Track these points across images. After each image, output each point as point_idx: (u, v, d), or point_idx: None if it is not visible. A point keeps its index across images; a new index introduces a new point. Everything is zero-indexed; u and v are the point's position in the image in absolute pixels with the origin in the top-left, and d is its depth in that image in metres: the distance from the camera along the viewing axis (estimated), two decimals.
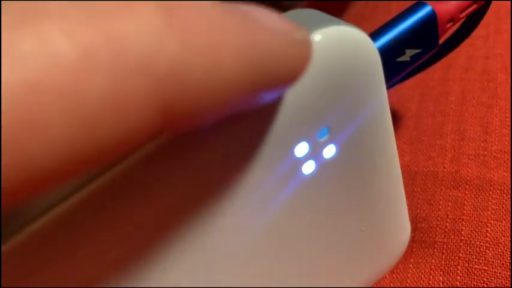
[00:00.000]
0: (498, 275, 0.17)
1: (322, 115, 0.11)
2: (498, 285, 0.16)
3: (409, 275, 0.17)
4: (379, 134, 0.13)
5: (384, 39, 0.15)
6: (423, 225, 0.18)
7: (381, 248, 0.15)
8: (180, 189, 0.11)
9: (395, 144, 0.13)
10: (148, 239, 0.11)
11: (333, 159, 0.12)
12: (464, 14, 0.16)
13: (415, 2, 0.16)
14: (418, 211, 0.19)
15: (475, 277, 0.17)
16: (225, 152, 0.11)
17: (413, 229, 0.18)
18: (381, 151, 0.13)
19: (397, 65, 0.16)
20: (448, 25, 0.16)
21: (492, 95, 0.21)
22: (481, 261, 0.17)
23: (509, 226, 0.17)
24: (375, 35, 0.15)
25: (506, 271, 0.17)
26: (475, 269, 0.17)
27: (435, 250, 0.17)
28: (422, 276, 0.17)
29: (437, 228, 0.18)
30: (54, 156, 0.06)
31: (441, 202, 0.19)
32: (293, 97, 0.11)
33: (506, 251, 0.17)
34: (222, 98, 0.08)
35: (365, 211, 0.14)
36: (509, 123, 0.20)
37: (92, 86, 0.06)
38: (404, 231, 0.15)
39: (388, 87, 0.13)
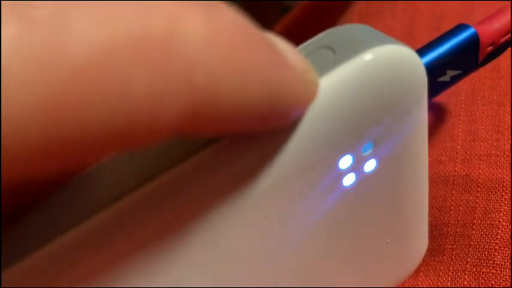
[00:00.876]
0: (507, 277, 0.17)
1: (369, 129, 0.12)
2: (505, 286, 0.16)
3: (419, 283, 0.18)
4: (416, 150, 0.13)
5: (428, 58, 0.16)
6: (434, 233, 0.19)
7: (400, 261, 0.15)
8: (226, 198, 0.11)
9: (427, 161, 0.14)
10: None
11: (373, 173, 0.13)
12: (504, 38, 0.17)
13: (459, 24, 0.16)
14: (429, 219, 0.19)
15: (483, 281, 0.17)
16: (271, 160, 0.11)
17: None
18: (416, 167, 0.14)
19: (437, 84, 0.16)
20: (489, 48, 0.17)
21: (504, 93, 0.20)
22: (489, 264, 0.17)
23: None
24: (419, 53, 0.15)
25: None
26: (483, 272, 0.17)
27: (444, 257, 0.18)
28: (432, 283, 0.18)
29: (448, 235, 0.18)
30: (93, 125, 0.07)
31: (452, 208, 0.19)
32: (343, 110, 0.11)
33: None
34: (239, 116, 0.08)
35: (393, 224, 0.14)
36: None
37: (141, 76, 0.07)
38: (422, 244, 0.15)
39: None
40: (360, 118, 0.12)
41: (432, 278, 0.18)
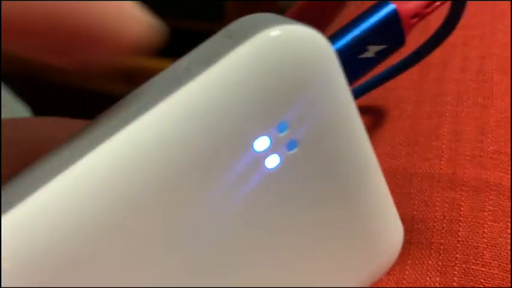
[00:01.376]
0: (495, 276, 0.17)
1: (278, 109, 0.12)
2: (495, 286, 0.16)
3: (405, 276, 0.17)
4: (347, 130, 0.13)
5: (344, 39, 0.15)
6: (420, 226, 0.18)
7: (370, 249, 0.14)
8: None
9: (369, 144, 0.14)
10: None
11: (298, 153, 0.13)
12: (430, 9, 0.16)
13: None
14: (415, 213, 0.19)
15: (472, 278, 0.17)
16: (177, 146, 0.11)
17: (410, 231, 0.18)
18: (352, 148, 0.13)
19: (361, 61, 0.16)
20: (413, 20, 0.16)
21: (488, 95, 0.21)
22: (478, 262, 0.17)
23: (507, 227, 0.17)
24: (335, 35, 0.15)
25: (504, 272, 0.17)
26: (472, 269, 0.17)
27: (432, 251, 0.17)
28: (419, 277, 0.17)
29: (434, 230, 0.18)
30: None
31: (438, 203, 0.18)
32: (245, 92, 0.11)
33: (503, 252, 0.17)
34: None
35: (344, 210, 0.14)
36: (506, 123, 0.20)
37: None
38: (396, 231, 0.15)
39: (363, 85, 0.14)
40: (264, 98, 0.12)
41: (419, 272, 0.17)
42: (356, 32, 0.16)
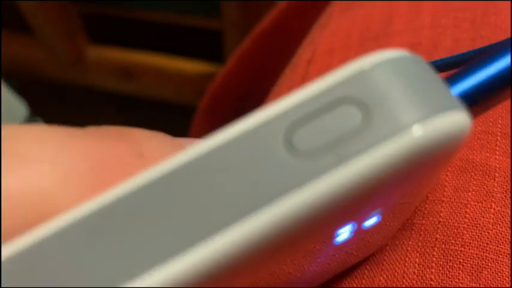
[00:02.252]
0: (474, 255, 0.16)
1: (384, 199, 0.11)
2: (474, 266, 0.16)
3: (385, 257, 0.17)
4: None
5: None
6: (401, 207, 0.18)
7: None
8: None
9: None
10: None
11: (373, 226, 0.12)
12: None
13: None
14: None
15: (451, 258, 0.17)
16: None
17: None
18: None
19: None
20: None
21: None
22: (457, 242, 0.17)
23: (490, 207, 0.17)
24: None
25: (483, 252, 0.16)
26: (452, 250, 0.17)
27: (413, 232, 0.17)
28: (399, 258, 0.17)
29: (417, 210, 0.18)
30: None
31: None
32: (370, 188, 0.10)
33: (484, 232, 0.17)
34: None
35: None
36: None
37: None
38: None
39: None
40: (378, 195, 0.10)
41: (399, 252, 0.17)
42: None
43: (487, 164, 0.18)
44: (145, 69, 0.81)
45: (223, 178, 0.09)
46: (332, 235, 0.11)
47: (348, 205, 0.09)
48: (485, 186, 0.18)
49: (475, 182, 0.18)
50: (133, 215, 0.09)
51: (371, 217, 0.11)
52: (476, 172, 0.18)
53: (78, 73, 0.85)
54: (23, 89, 0.71)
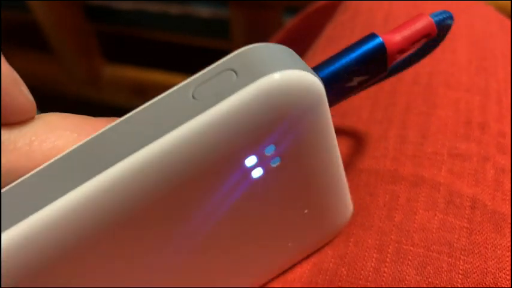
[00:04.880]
0: (421, 254, 0.20)
1: (268, 137, 0.14)
2: (420, 262, 0.19)
3: (348, 251, 0.20)
4: (323, 143, 0.16)
5: (333, 69, 0.16)
6: (364, 212, 0.21)
7: (326, 221, 0.18)
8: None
9: (337, 149, 0.16)
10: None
11: (279, 166, 0.15)
12: (414, 45, 0.17)
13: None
14: (361, 201, 0.22)
15: (402, 255, 0.20)
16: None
17: (356, 215, 0.21)
18: (325, 155, 0.16)
19: (345, 88, 0.17)
20: (398, 55, 0.17)
21: (432, 105, 0.24)
22: (408, 242, 0.20)
23: (435, 215, 0.21)
24: (325, 64, 0.16)
25: (428, 251, 0.20)
26: (403, 249, 0.20)
27: (372, 232, 0.21)
28: (360, 253, 0.20)
29: (375, 215, 0.21)
30: None
31: (380, 194, 0.22)
32: (246, 123, 0.13)
33: (429, 235, 0.20)
34: None
35: (311, 199, 0.17)
36: (443, 129, 0.23)
37: None
38: (347, 209, 0.19)
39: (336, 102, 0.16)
40: (261, 128, 0.14)
41: (360, 249, 0.20)
42: (344, 62, 0.16)
43: (433, 179, 0.22)
44: (158, 87, 0.83)
45: (143, 122, 0.14)
46: (240, 163, 0.14)
47: (232, 131, 0.13)
48: (431, 198, 0.21)
49: (423, 194, 0.21)
50: (70, 162, 0.14)
51: (268, 152, 0.14)
52: (425, 186, 0.22)
53: (93, 90, 0.87)
54: (41, 105, 0.74)
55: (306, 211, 0.18)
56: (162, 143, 0.13)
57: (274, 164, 0.15)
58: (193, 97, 0.14)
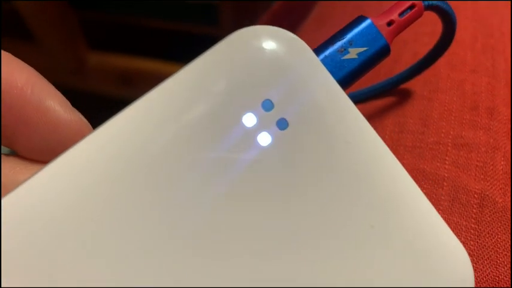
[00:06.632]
0: None
1: (260, 90, 0.14)
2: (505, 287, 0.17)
3: None
4: (336, 111, 0.14)
5: (323, 43, 0.16)
6: None
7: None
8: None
9: (362, 118, 0.14)
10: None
11: (289, 132, 0.13)
12: (404, 17, 0.17)
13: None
14: None
15: None
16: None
17: None
18: (349, 127, 0.14)
19: (345, 61, 0.16)
20: (390, 27, 0.17)
21: (434, 89, 0.22)
22: None
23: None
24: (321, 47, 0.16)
25: None
26: None
27: None
28: None
29: None
30: None
31: None
32: (233, 75, 0.13)
33: None
34: None
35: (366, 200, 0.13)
36: (447, 116, 0.21)
37: None
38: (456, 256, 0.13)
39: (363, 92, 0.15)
40: (248, 81, 0.13)
41: None
42: (335, 38, 0.16)
43: (436, 173, 0.19)
44: (144, 75, 0.83)
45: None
46: (238, 120, 0.13)
47: (214, 77, 0.13)
48: (433, 195, 0.19)
49: (424, 191, 0.19)
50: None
51: (266, 108, 0.14)
52: (426, 181, 0.19)
53: (78, 79, 0.86)
54: None
55: (372, 224, 0.13)
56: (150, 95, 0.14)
57: (283, 128, 0.13)
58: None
